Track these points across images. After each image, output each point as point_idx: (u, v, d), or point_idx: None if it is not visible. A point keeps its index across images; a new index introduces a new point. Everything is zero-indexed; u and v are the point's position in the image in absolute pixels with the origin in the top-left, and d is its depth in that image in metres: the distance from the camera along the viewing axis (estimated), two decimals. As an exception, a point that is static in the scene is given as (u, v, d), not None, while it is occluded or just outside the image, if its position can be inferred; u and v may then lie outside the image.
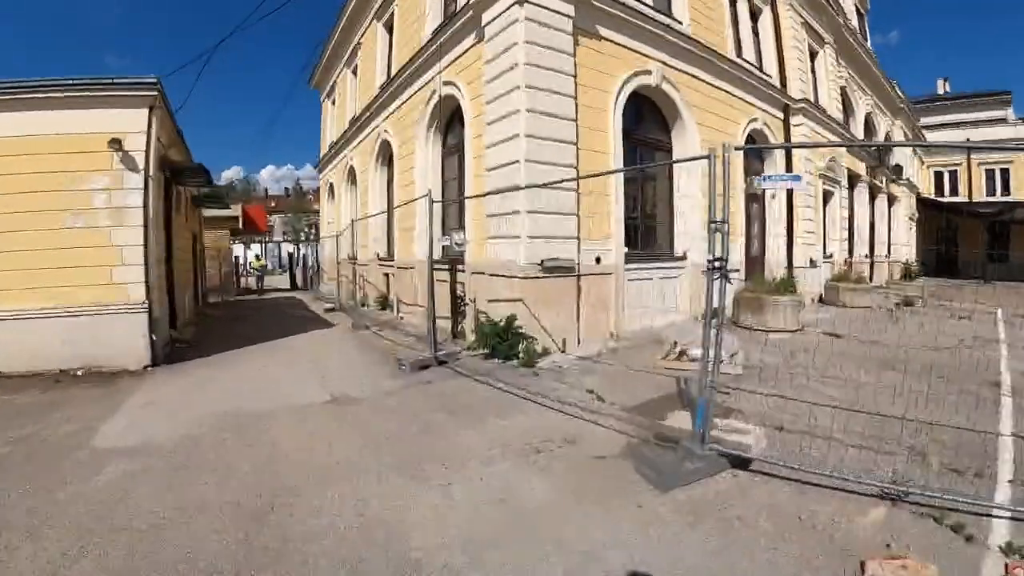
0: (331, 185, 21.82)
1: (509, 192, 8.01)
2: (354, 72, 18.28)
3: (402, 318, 12.72)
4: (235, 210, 22.05)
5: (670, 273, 11.11)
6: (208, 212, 19.39)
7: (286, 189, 75.77)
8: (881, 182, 23.38)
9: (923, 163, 34.37)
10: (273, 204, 69.26)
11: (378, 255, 15.23)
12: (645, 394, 6.15)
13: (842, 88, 18.94)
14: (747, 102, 13.41)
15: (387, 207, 14.59)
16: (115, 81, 8.23)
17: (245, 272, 26.20)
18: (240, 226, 22.26)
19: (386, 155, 14.80)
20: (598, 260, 9.18)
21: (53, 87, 7.98)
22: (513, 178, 8.01)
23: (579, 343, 8.71)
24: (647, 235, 11.29)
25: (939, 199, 33.68)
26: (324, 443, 4.78)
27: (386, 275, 14.63)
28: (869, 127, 22.55)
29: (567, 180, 8.05)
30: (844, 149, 18.53)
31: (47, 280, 7.92)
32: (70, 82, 8.07)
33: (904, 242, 27.26)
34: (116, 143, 8.07)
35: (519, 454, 4.49)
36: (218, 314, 15.44)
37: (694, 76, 11.53)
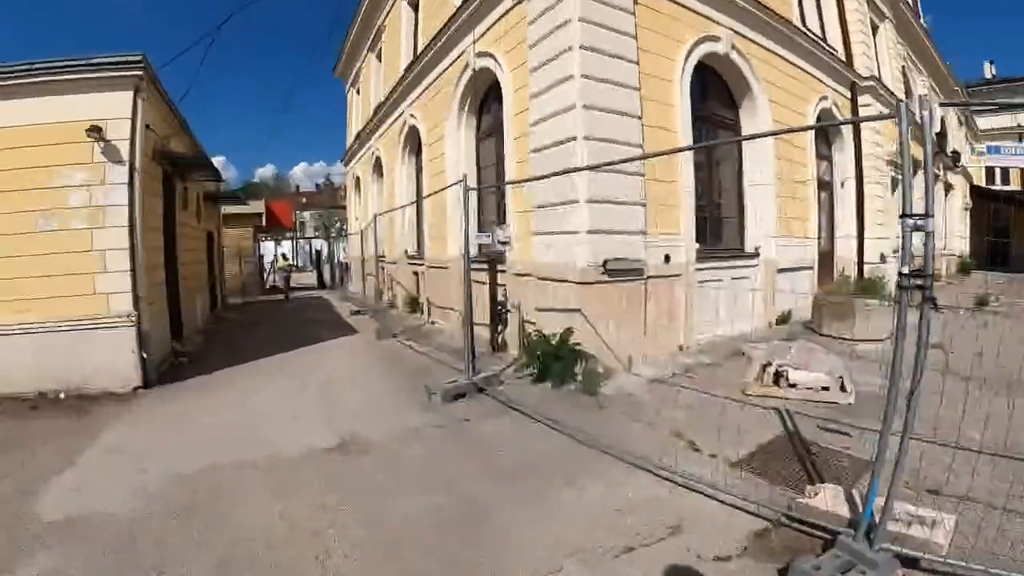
0: (357, 178, 20.60)
1: (562, 177, 6.51)
2: (378, 57, 16.95)
3: (433, 323, 11.36)
4: (258, 207, 21.05)
5: (742, 273, 9.47)
6: (229, 209, 18.45)
7: (317, 185, 75.17)
8: (939, 169, 21.16)
9: (974, 150, 31.60)
10: (304, 200, 68.97)
11: (407, 253, 13.88)
12: (748, 437, 4.57)
13: (902, 68, 17.00)
14: (816, 78, 11.62)
15: (416, 200, 13.21)
16: (93, 61, 6.99)
17: (270, 271, 25.15)
18: (264, 223, 21.20)
19: (414, 143, 13.42)
20: (667, 259, 7.61)
21: (21, 72, 6.81)
22: (567, 160, 6.48)
23: (644, 359, 7.18)
24: (714, 229, 9.64)
25: (992, 188, 30.84)
26: (308, 537, 3.35)
27: (416, 275, 13.28)
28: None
29: (633, 159, 6.52)
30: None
31: (22, 291, 6.82)
32: (41, 65, 6.90)
33: (960, 233, 25.32)
34: (96, 131, 6.84)
35: (604, 560, 3.00)
36: (236, 318, 14.32)
37: (764, 47, 9.82)
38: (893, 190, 15.44)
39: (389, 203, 14.76)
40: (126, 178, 7.01)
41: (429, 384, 6.28)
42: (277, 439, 5.03)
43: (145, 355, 7.15)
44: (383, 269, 15.50)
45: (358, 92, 20.68)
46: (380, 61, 16.74)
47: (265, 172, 72.96)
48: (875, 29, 15.18)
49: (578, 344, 6.39)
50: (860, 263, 13.17)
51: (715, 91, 9.65)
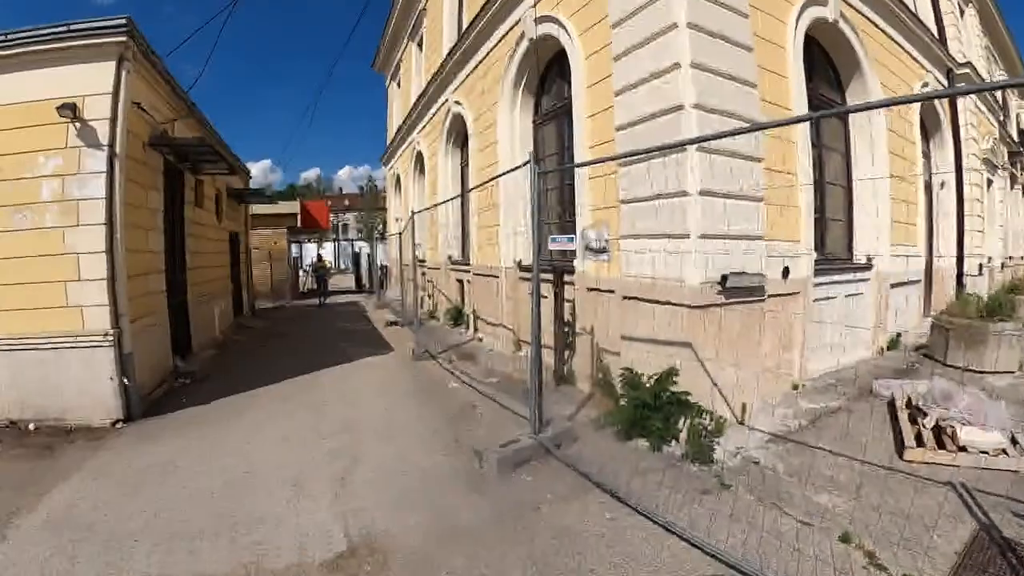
0: (397, 177, 19.21)
1: (661, 164, 4.80)
2: (419, 45, 15.53)
3: (480, 339, 9.74)
4: (291, 206, 19.89)
5: (855, 288, 7.54)
6: (260, 209, 17.34)
7: (360, 187, 75.27)
8: (1018, 169, 18.52)
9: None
10: (347, 202, 69.07)
11: (450, 258, 12.29)
12: (938, 539, 3.07)
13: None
14: (916, 60, 9.58)
15: (460, 195, 11.60)
16: (70, 28, 5.66)
17: (308, 274, 23.93)
18: (299, 224, 19.96)
19: (459, 133, 11.85)
20: (785, 273, 5.81)
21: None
22: (669, 137, 4.75)
23: (759, 405, 5.40)
24: (819, 234, 7.75)
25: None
26: None
27: (460, 283, 11.70)
28: (1006, 107, 17.84)
29: (749, 129, 4.86)
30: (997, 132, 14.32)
31: (-7, 300, 5.57)
32: (11, 36, 5.63)
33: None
34: (69, 110, 5.55)
35: None
36: (261, 327, 12.97)
37: (868, 18, 7.90)
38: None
39: (431, 202, 13.24)
40: (104, 165, 5.63)
41: (479, 441, 4.65)
42: (264, 527, 3.51)
43: (127, 382, 5.76)
44: (423, 275, 14.00)
45: (398, 85, 19.34)
46: (421, 49, 15.30)
47: (309, 176, 73.54)
48: (962, 13, 13.16)
49: (686, 394, 4.64)
50: (960, 275, 11.05)
51: (820, 69, 7.76)
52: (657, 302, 4.98)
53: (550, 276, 6.93)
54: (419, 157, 15.16)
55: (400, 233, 13.76)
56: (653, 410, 4.64)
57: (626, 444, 4.71)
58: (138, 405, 5.90)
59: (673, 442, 4.60)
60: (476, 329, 10.09)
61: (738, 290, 4.92)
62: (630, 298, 5.32)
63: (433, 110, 13.12)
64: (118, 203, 5.68)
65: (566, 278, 6.58)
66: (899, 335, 8.29)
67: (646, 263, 5.17)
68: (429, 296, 13.77)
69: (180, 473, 4.45)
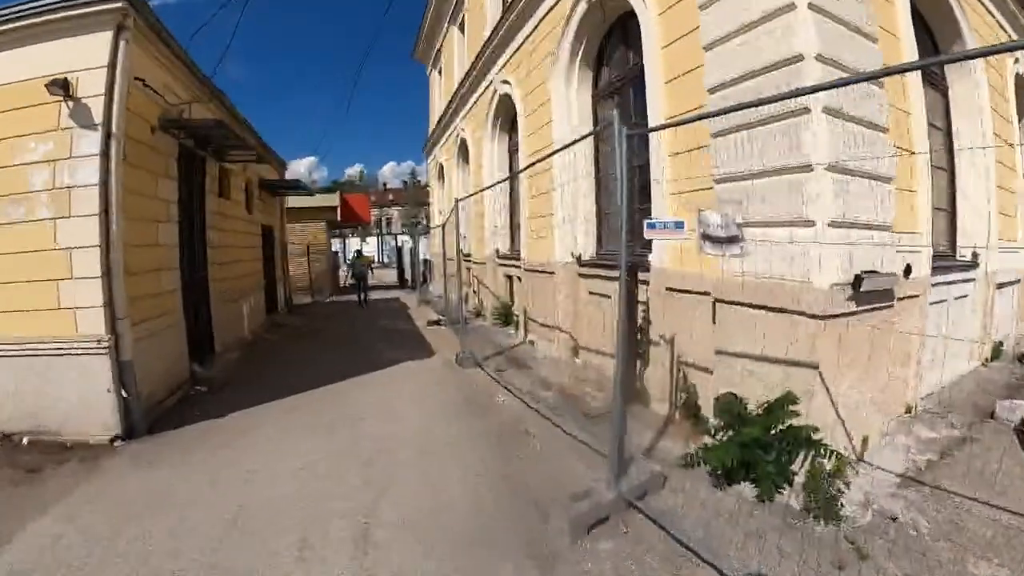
0: (440, 166, 18.35)
1: (771, 132, 3.69)
2: (460, 28, 14.58)
3: (531, 343, 8.74)
4: (331, 199, 19.24)
5: (962, 290, 6.19)
6: (298, 202, 16.76)
7: (404, 182, 75.17)
8: None
9: None
10: (390, 197, 68.97)
11: (498, 252, 11.30)
12: None
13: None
14: (1006, 32, 8.00)
15: (509, 177, 10.54)
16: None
17: (349, 269, 23.31)
18: (338, 217, 19.27)
19: (507, 116, 10.84)
20: (907, 272, 4.58)
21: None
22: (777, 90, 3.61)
23: (882, 435, 4.25)
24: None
25: None
26: None
27: (508, 279, 10.72)
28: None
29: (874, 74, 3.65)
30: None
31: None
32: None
33: None
34: (60, 87, 4.80)
35: None
36: (296, 324, 12.26)
37: None
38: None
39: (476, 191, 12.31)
40: (97, 147, 4.84)
41: (537, 481, 3.64)
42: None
43: (126, 395, 4.97)
44: (468, 269, 13.07)
45: (440, 72, 18.49)
46: (463, 33, 14.33)
47: (353, 172, 74.01)
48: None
49: (812, 429, 3.52)
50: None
51: (920, 39, 6.43)
52: (769, 309, 3.85)
53: (613, 273, 5.88)
54: (463, 145, 14.23)
55: (443, 224, 12.84)
56: (762, 449, 3.54)
57: (726, 491, 3.63)
58: (141, 420, 5.13)
59: (786, 488, 3.51)
60: (527, 331, 9.08)
61: (870, 294, 3.76)
62: (729, 303, 4.20)
63: (478, 93, 12.13)
64: (114, 190, 4.89)
65: (640, 276, 5.47)
66: (1001, 343, 6.91)
67: (749, 257, 4.04)
68: (475, 292, 12.84)
69: (174, 509, 3.66)
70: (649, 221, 3.76)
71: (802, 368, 3.65)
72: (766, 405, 3.68)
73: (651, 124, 5.35)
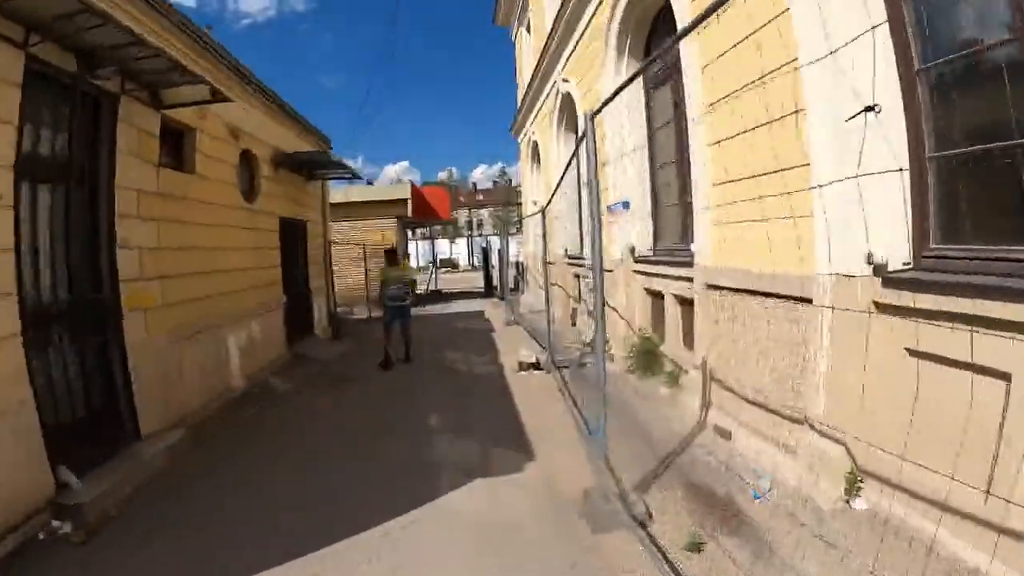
0: (534, 145, 14.29)
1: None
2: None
3: (724, 434, 4.45)
4: (400, 191, 15.70)
5: None
6: (359, 196, 13.43)
7: (494, 182, 72.52)
8: None
9: None
10: (480, 197, 66.42)
11: (632, 252, 7.02)
12: None
13: None
14: None
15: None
16: None
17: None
18: (409, 212, 15.55)
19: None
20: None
21: None
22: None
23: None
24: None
25: None
26: None
27: (654, 296, 6.50)
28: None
29: None
30: None
31: None
32: None
33: None
34: None
35: None
36: (329, 357, 8.57)
37: None
38: None
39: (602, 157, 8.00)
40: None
41: None
42: None
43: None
44: (579, 278, 8.88)
45: (528, 30, 14.61)
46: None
47: (444, 175, 72.65)
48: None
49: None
50: None
51: None
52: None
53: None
54: (566, 101, 10.09)
55: (543, 211, 8.69)
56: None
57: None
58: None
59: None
60: (708, 401, 4.78)
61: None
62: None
63: (584, 22, 7.97)
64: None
65: None
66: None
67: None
68: (589, 315, 8.58)
69: None
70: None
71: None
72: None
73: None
